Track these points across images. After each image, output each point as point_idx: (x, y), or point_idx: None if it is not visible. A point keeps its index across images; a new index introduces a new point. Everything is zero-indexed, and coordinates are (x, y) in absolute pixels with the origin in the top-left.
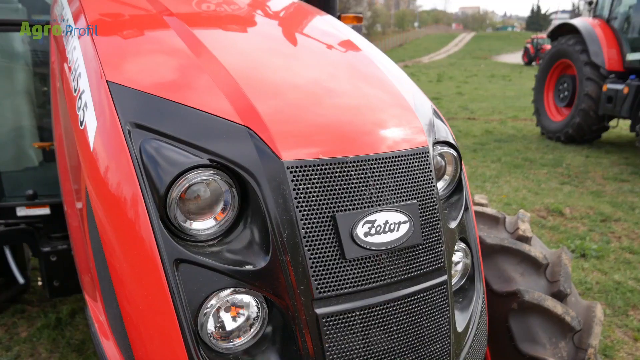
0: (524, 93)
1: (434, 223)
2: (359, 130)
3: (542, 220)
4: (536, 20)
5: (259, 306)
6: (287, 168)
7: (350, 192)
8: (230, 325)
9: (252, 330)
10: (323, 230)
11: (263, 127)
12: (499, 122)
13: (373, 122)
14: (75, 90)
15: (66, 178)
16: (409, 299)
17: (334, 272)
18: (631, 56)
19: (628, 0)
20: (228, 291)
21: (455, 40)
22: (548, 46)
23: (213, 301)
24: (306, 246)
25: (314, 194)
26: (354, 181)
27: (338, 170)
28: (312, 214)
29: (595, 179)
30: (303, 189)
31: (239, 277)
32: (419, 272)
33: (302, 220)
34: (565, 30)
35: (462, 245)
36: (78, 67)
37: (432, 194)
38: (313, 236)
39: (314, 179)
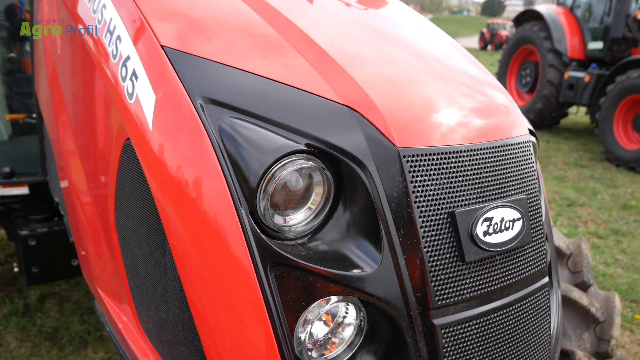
0: None
1: (539, 219)
2: (470, 117)
3: None
4: (491, 5)
5: (363, 315)
6: (404, 157)
7: (465, 185)
8: (331, 337)
9: (353, 341)
10: (442, 229)
11: (372, 109)
12: None
13: (481, 109)
14: (114, 56)
15: (69, 156)
16: (519, 304)
17: (453, 277)
18: (592, 45)
19: None
20: (334, 299)
21: None
22: (503, 31)
23: (315, 311)
24: (425, 247)
25: (432, 187)
26: (468, 172)
27: (453, 160)
28: (430, 210)
29: (557, 164)
30: (420, 181)
31: (347, 282)
32: (526, 274)
33: (420, 217)
34: (530, 16)
35: None
36: (114, 30)
37: (537, 186)
38: (432, 236)
39: (431, 169)
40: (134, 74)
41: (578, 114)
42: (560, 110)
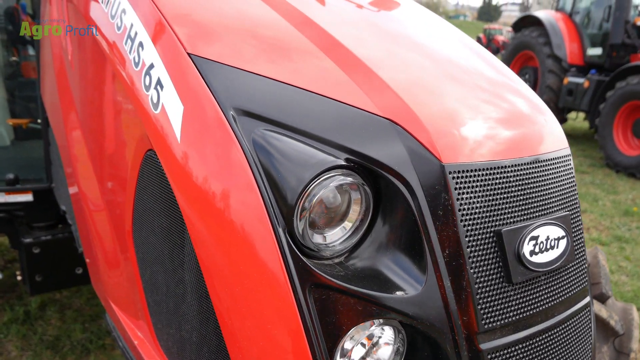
0: None
1: (581, 236)
2: (513, 131)
3: None
4: (487, 10)
5: (402, 337)
6: (450, 173)
7: (510, 203)
8: (368, 359)
9: None
10: (488, 249)
11: (414, 122)
12: None
13: (524, 122)
14: (136, 64)
15: (80, 164)
16: (563, 325)
17: (499, 300)
18: (591, 51)
19: None
20: (376, 322)
21: None
22: (500, 37)
23: (355, 335)
24: (471, 268)
25: (477, 204)
26: (513, 189)
27: (498, 175)
28: (476, 229)
29: None
30: (466, 198)
31: (390, 305)
32: (570, 294)
33: (466, 236)
34: (529, 22)
35: None
36: (136, 36)
37: (577, 203)
38: (478, 256)
39: (476, 186)
40: (159, 82)
41: (577, 120)
42: (559, 115)
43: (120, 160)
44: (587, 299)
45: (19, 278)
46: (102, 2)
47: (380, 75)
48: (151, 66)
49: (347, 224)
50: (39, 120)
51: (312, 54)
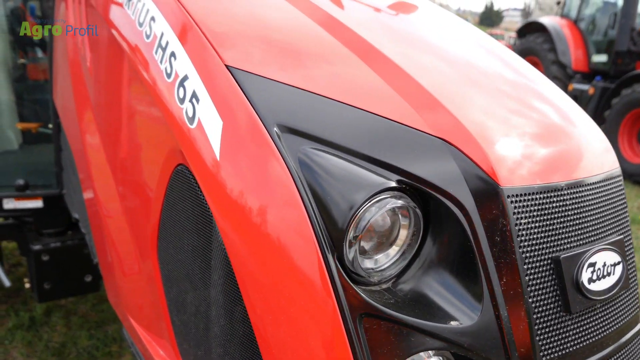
0: None
1: (632, 262)
2: (567, 149)
3: None
4: (489, 16)
5: None
6: (508, 197)
7: (567, 227)
8: None
9: None
10: (546, 277)
11: (470, 142)
12: None
13: (578, 139)
14: (168, 75)
15: (98, 172)
16: (617, 355)
17: (558, 330)
18: (596, 58)
19: (595, 2)
20: (426, 354)
21: None
22: (502, 42)
23: None
24: (530, 297)
25: (535, 229)
26: (569, 212)
27: (554, 198)
28: (534, 256)
29: None
30: (525, 223)
31: (444, 336)
32: (623, 322)
33: (525, 264)
34: (533, 28)
35: None
36: (167, 45)
37: (628, 226)
38: (536, 284)
39: (534, 210)
40: (194, 95)
41: None
42: None
43: (144, 171)
44: (638, 326)
45: (27, 285)
46: (127, 8)
47: (428, 89)
48: (185, 78)
49: (395, 248)
50: (49, 125)
51: (362, 71)
